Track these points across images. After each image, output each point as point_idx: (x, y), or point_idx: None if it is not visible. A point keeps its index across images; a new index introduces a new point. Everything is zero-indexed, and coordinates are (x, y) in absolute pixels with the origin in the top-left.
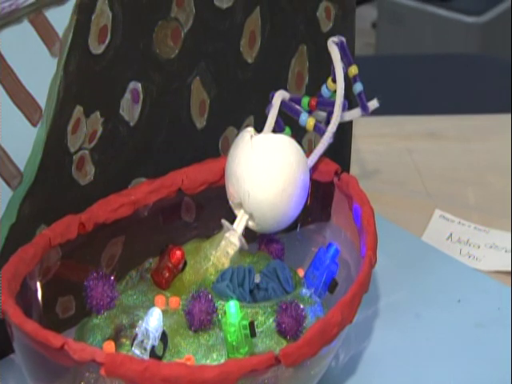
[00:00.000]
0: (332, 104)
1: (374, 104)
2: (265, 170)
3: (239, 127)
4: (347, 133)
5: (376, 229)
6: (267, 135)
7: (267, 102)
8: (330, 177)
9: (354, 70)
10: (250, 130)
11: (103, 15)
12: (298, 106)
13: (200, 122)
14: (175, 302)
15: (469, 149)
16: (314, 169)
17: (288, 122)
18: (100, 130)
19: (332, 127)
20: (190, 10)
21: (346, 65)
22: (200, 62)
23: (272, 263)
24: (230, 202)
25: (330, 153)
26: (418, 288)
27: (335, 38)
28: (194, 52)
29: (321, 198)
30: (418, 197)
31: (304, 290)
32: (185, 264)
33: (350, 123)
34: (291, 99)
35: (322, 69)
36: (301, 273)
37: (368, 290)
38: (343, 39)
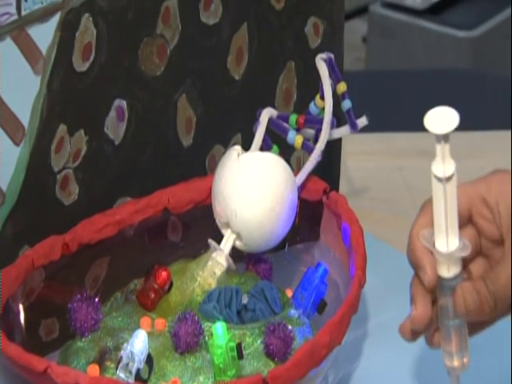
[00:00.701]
0: (320, 121)
1: (362, 121)
2: (252, 189)
3: (226, 145)
4: (336, 150)
5: (365, 248)
6: (254, 153)
7: (255, 119)
8: (318, 195)
9: (342, 86)
10: (237, 148)
11: (87, 32)
12: (285, 124)
13: (186, 140)
14: (161, 323)
15: (460, 166)
16: (302, 187)
17: (276, 140)
18: (84, 149)
19: (320, 145)
20: (175, 26)
21: (335, 82)
22: (186, 78)
23: (260, 283)
24: (217, 222)
25: (318, 171)
26: (408, 308)
27: (323, 55)
28: (180, 69)
29: (309, 217)
30: (408, 215)
31: (292, 311)
32: (171, 285)
33: (339, 140)
34: (279, 117)
35: (311, 85)
36: (289, 293)
37: (357, 310)
38: (331, 56)
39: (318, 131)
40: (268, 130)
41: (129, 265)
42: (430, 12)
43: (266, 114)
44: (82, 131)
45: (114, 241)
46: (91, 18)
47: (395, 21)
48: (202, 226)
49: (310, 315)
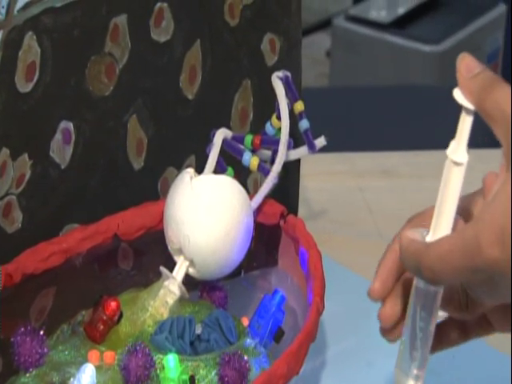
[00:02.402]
0: (277, 142)
1: (321, 142)
2: (206, 214)
3: (179, 168)
4: (294, 172)
5: (323, 274)
6: (208, 176)
7: (209, 140)
8: (275, 219)
9: (299, 106)
10: (190, 171)
11: (31, 51)
12: (240, 145)
13: (137, 163)
14: (110, 356)
15: (423, 187)
16: (258, 211)
17: (231, 162)
18: (28, 174)
19: (277, 167)
20: (125, 44)
21: (292, 101)
22: (137, 99)
23: (214, 312)
24: (169, 248)
25: (276, 193)
26: (369, 335)
27: (279, 73)
28: (130, 88)
29: (266, 242)
30: (369, 238)
31: (248, 341)
32: (121, 315)
33: (298, 161)
34: (234, 138)
35: (268, 104)
36: (245, 322)
37: (315, 338)
38: (288, 74)
39: (275, 152)
40: (223, 152)
41: (76, 295)
42: (396, 26)
43: (220, 134)
44: (25, 155)
45: (61, 270)
46: (35, 37)
47: (360, 35)
48: (154, 252)
49: (266, 344)
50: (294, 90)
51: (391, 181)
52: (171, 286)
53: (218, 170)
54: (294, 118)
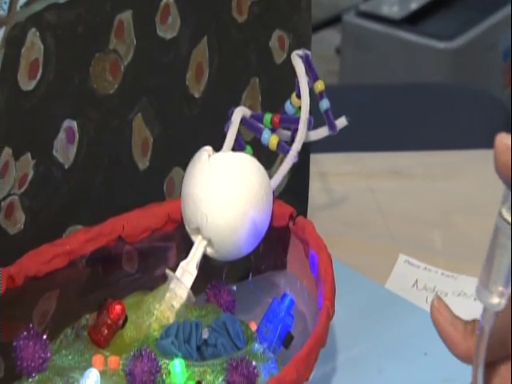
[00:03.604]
0: (297, 121)
1: (342, 122)
2: (224, 191)
3: (186, 168)
4: (304, 172)
5: (334, 277)
6: (226, 153)
7: (216, 139)
8: (284, 221)
9: (320, 85)
10: (208, 148)
11: (34, 48)
12: (259, 124)
13: (142, 163)
14: (115, 361)
15: (436, 188)
16: None
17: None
18: (31, 174)
19: (297, 145)
20: (130, 41)
21: (312, 80)
22: (142, 97)
23: (221, 317)
24: (187, 227)
25: (285, 194)
26: (380, 340)
27: (299, 51)
28: (135, 87)
29: (275, 244)
30: (380, 240)
31: (256, 346)
32: (125, 319)
33: (307, 161)
34: (252, 116)
35: (276, 103)
36: (253, 326)
37: (325, 344)
38: (308, 52)
39: (295, 131)
40: (241, 132)
41: (80, 298)
42: (408, 22)
43: (239, 113)
44: (28, 155)
45: (64, 273)
46: (38, 33)
47: (371, 31)
48: (160, 255)
49: (275, 350)
50: (314, 69)
51: (403, 182)
52: (177, 290)
53: (237, 148)
54: (313, 99)
